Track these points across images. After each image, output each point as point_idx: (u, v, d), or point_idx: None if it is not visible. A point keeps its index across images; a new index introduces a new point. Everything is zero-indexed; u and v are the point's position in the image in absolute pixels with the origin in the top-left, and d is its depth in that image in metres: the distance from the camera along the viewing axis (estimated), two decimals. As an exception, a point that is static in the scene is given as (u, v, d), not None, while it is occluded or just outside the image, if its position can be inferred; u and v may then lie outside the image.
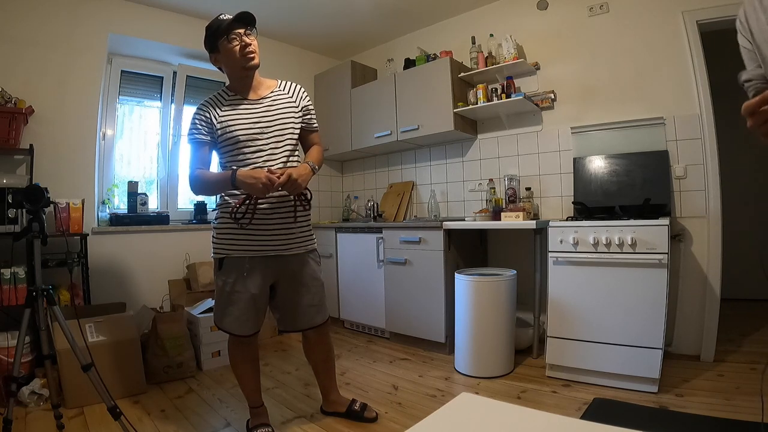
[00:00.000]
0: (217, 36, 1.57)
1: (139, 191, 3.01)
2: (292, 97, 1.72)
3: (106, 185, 2.95)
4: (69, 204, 2.43)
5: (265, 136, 1.62)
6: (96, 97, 2.76)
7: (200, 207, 3.33)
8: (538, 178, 2.90)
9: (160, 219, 3.05)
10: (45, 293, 1.52)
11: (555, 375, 2.21)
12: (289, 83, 1.75)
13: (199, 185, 1.64)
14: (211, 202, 3.58)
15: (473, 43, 3.10)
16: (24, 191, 1.53)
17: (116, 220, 2.85)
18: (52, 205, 1.66)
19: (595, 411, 1.77)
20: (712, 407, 1.77)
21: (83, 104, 2.70)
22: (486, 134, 3.18)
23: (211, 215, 3.45)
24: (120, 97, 3.05)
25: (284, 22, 3.43)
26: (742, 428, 1.57)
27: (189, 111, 3.40)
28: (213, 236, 1.67)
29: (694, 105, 2.36)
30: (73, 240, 2.45)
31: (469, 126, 3.14)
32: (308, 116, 1.76)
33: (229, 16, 1.55)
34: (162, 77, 3.26)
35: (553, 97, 2.84)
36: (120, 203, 3.05)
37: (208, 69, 3.49)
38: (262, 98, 1.66)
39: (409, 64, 3.32)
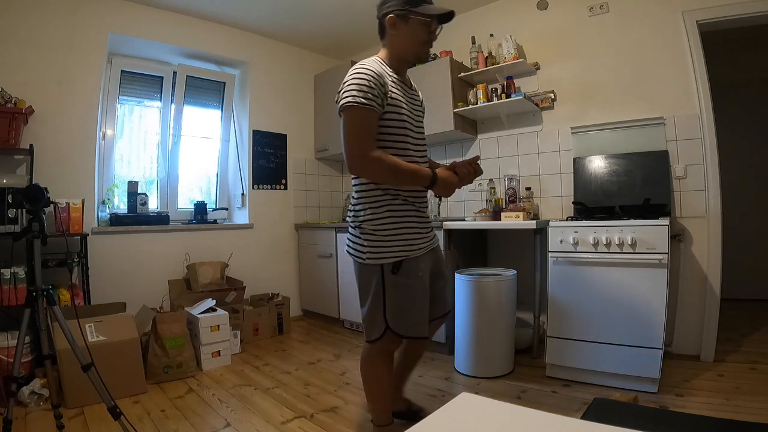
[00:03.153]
0: (415, 9, 1.39)
1: (139, 191, 3.01)
2: (419, 97, 1.62)
3: (106, 185, 2.95)
4: (69, 204, 2.43)
5: (420, 126, 1.53)
6: (96, 97, 2.77)
7: (200, 207, 3.33)
8: (538, 178, 2.90)
9: (160, 219, 3.05)
10: (45, 293, 1.51)
11: (555, 375, 2.21)
12: (413, 83, 1.63)
13: (384, 169, 1.34)
14: (211, 202, 3.59)
15: (473, 43, 3.10)
16: (24, 191, 1.52)
17: (116, 220, 2.85)
18: (52, 205, 1.66)
19: (595, 411, 1.77)
20: (712, 407, 1.77)
21: (83, 104, 2.70)
22: (486, 134, 3.18)
23: (212, 215, 3.45)
24: (120, 97, 3.05)
25: (284, 22, 3.43)
26: (742, 428, 1.57)
27: (189, 111, 3.41)
28: (376, 238, 1.41)
29: (694, 105, 2.36)
30: (73, 240, 2.45)
31: (469, 126, 3.14)
32: None
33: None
34: (162, 77, 3.26)
35: (553, 97, 2.84)
36: (120, 203, 3.05)
37: (208, 69, 3.49)
38: (412, 89, 1.55)
39: (409, 64, 3.32)
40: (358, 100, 1.30)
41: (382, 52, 1.49)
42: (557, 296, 2.18)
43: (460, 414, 0.63)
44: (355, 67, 1.39)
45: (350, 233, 1.51)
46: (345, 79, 1.37)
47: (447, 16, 1.43)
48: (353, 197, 1.50)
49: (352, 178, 1.50)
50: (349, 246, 1.51)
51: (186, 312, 2.56)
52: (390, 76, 1.42)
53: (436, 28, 1.45)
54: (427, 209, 1.58)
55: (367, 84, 1.32)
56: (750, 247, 3.70)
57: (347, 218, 1.54)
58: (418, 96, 1.60)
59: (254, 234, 3.54)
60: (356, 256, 1.47)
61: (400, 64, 1.49)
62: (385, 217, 1.42)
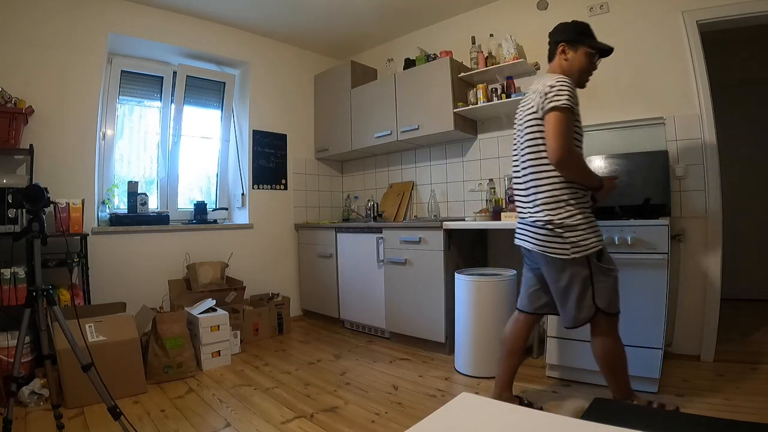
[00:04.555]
0: (588, 42, 1.65)
1: (139, 191, 3.01)
2: None
3: (106, 185, 2.95)
4: (69, 204, 2.43)
5: None
6: (96, 97, 2.76)
7: (200, 207, 3.33)
8: (538, 178, 2.90)
9: (160, 219, 3.05)
10: (45, 293, 1.51)
11: (555, 375, 2.22)
12: None
13: (580, 165, 1.59)
14: (211, 202, 3.59)
15: (473, 43, 3.10)
16: (24, 191, 1.52)
17: (116, 220, 2.85)
18: (52, 205, 1.66)
19: (595, 411, 1.77)
20: (712, 407, 1.77)
21: (83, 104, 2.70)
22: (486, 134, 3.18)
23: (212, 215, 3.45)
24: (120, 97, 3.05)
25: (284, 22, 3.43)
26: (742, 428, 1.57)
27: (189, 111, 3.41)
28: (579, 232, 1.56)
29: (694, 105, 2.36)
30: (73, 240, 2.45)
31: (469, 126, 3.14)
32: None
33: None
34: (162, 77, 3.26)
35: (553, 97, 2.83)
36: (120, 203, 3.05)
37: (208, 69, 3.50)
38: None
39: (409, 64, 3.32)
40: (571, 104, 1.51)
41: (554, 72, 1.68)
42: (557, 296, 2.18)
43: (460, 414, 0.63)
44: (558, 77, 1.57)
45: (543, 234, 1.61)
46: (552, 84, 1.54)
47: (608, 51, 1.66)
48: (539, 200, 1.62)
49: (539, 181, 1.62)
50: (545, 246, 1.61)
51: (186, 312, 2.56)
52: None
53: (598, 60, 1.67)
54: None
55: (574, 93, 1.54)
56: (750, 247, 3.70)
57: (532, 222, 1.66)
58: None
59: (254, 234, 3.54)
60: (559, 254, 1.58)
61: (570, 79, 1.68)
62: (580, 212, 1.58)
